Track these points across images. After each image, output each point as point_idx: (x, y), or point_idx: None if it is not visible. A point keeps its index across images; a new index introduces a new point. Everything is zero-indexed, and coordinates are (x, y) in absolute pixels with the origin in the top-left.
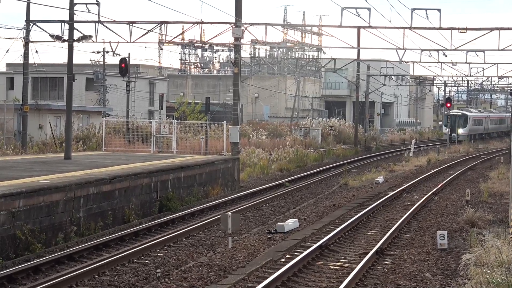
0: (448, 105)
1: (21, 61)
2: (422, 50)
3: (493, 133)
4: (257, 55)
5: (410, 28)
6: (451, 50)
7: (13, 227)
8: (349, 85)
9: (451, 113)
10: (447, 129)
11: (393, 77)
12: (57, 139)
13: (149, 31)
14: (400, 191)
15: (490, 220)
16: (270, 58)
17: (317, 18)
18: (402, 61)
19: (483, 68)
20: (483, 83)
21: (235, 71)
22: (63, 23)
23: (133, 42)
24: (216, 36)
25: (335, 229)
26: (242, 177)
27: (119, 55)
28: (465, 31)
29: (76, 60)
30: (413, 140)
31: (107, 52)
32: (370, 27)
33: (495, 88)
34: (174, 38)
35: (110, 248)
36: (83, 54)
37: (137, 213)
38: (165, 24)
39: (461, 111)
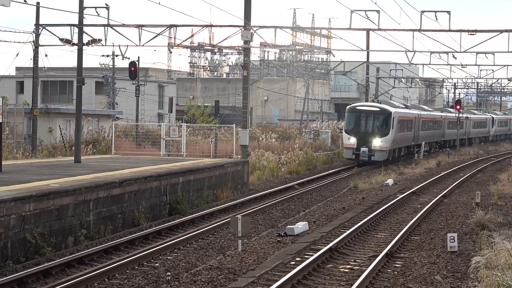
0: (458, 107)
1: (31, 65)
2: (432, 52)
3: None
4: (266, 58)
5: (420, 30)
6: (460, 52)
7: (23, 230)
8: (359, 88)
9: (359, 108)
10: (351, 139)
11: (402, 79)
12: (66, 142)
13: (158, 34)
14: (410, 193)
15: (500, 222)
16: (279, 61)
17: (326, 20)
18: (412, 63)
19: (492, 70)
20: (493, 85)
21: (244, 74)
22: (72, 27)
23: (143, 45)
24: (225, 39)
25: (345, 231)
26: (251, 180)
27: (129, 58)
28: (474, 33)
29: (85, 64)
30: (423, 142)
31: (117, 55)
32: (379, 29)
33: (505, 90)
34: (184, 41)
35: (120, 251)
36: (93, 58)
37: (147, 216)
38: (174, 28)
39: (378, 106)
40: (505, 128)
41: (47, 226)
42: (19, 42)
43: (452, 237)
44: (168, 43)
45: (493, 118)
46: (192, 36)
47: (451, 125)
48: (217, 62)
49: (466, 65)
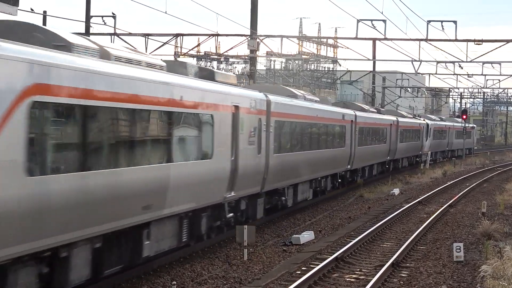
0: (464, 117)
1: None
2: (438, 62)
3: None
4: (272, 67)
5: (426, 40)
6: (466, 62)
7: None
8: (365, 97)
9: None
10: None
11: (408, 89)
12: None
13: (165, 43)
14: (416, 203)
15: (507, 232)
16: (286, 70)
17: (333, 30)
18: (418, 73)
19: (499, 80)
20: (499, 95)
21: (251, 83)
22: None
23: (149, 54)
24: (231, 48)
25: (351, 241)
26: None
27: None
28: (481, 43)
29: None
30: (429, 152)
31: None
32: (385, 39)
33: (511, 99)
34: (190, 50)
35: None
36: None
37: None
38: (181, 37)
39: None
40: (443, 141)
41: None
42: None
43: (458, 247)
44: (175, 52)
45: (428, 125)
46: (198, 45)
47: (373, 136)
48: (223, 71)
49: (473, 74)
